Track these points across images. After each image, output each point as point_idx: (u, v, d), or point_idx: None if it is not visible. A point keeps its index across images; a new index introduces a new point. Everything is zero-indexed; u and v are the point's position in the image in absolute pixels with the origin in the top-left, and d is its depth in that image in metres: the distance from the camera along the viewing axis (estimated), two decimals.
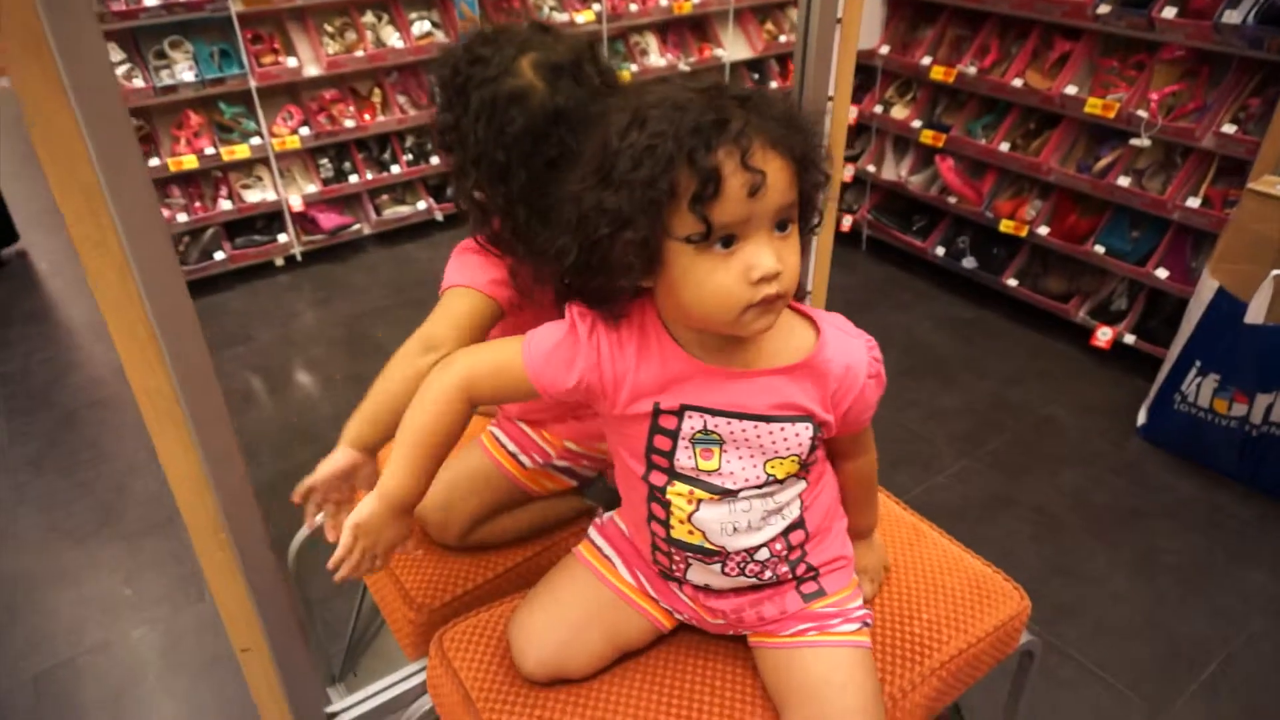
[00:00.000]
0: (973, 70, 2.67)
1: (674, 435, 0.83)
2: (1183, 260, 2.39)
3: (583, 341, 0.81)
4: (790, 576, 0.93)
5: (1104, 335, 2.55)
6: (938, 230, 3.02)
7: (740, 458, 0.84)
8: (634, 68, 3.86)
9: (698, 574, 0.92)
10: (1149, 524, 2.00)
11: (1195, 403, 2.11)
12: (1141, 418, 2.28)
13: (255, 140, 3.03)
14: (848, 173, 3.21)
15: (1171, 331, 2.19)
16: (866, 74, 3.07)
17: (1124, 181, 2.41)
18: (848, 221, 3.26)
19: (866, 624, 0.96)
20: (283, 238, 3.20)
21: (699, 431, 0.82)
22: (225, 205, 3.07)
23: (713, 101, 0.70)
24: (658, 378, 0.81)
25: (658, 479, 0.87)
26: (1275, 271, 1.86)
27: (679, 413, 0.82)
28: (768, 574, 0.91)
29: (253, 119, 3.04)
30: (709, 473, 0.84)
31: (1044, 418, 2.37)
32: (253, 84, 2.96)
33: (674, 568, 0.93)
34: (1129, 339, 2.51)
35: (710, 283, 0.71)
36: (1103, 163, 2.47)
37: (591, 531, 1.04)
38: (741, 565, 0.90)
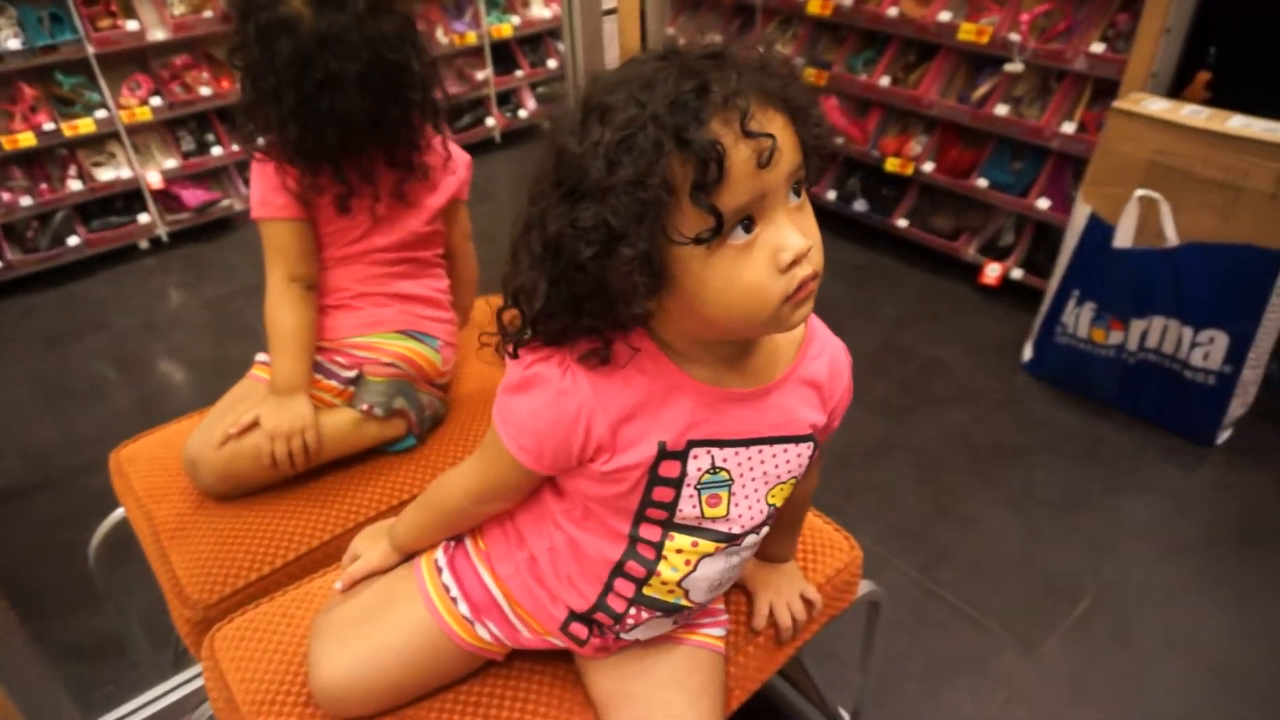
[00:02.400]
0: (849, 1, 2.57)
1: (677, 483, 0.72)
2: (1063, 189, 2.34)
3: (572, 395, 0.68)
4: None
5: (992, 272, 2.50)
6: (828, 174, 2.94)
7: (747, 496, 0.75)
8: (515, 20, 3.69)
9: (645, 631, 0.82)
10: (1029, 459, 1.96)
11: (1075, 334, 2.07)
12: (1027, 353, 2.24)
13: (101, 113, 2.81)
14: None
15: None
16: (748, 13, 2.96)
17: (1002, 110, 2.35)
18: None
19: (724, 630, 0.90)
20: (144, 218, 2.99)
21: (707, 472, 0.72)
22: (75, 185, 2.84)
23: (683, 67, 0.58)
24: (659, 414, 0.69)
25: (649, 532, 0.75)
26: (1139, 192, 1.81)
27: (683, 453, 0.71)
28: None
29: (95, 90, 2.81)
30: (715, 520, 0.75)
31: (932, 359, 2.32)
32: (90, 50, 2.73)
33: (618, 625, 0.81)
34: (1017, 274, 2.46)
35: (737, 283, 0.60)
36: (980, 91, 2.41)
37: (439, 555, 0.89)
38: (689, 615, 0.83)
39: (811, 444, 0.77)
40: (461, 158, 1.26)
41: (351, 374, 1.20)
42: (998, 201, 2.47)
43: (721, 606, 0.93)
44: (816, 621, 1.02)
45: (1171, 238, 1.81)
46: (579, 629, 0.83)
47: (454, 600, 0.85)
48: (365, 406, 1.18)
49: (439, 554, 0.88)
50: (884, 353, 2.35)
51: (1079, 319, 2.04)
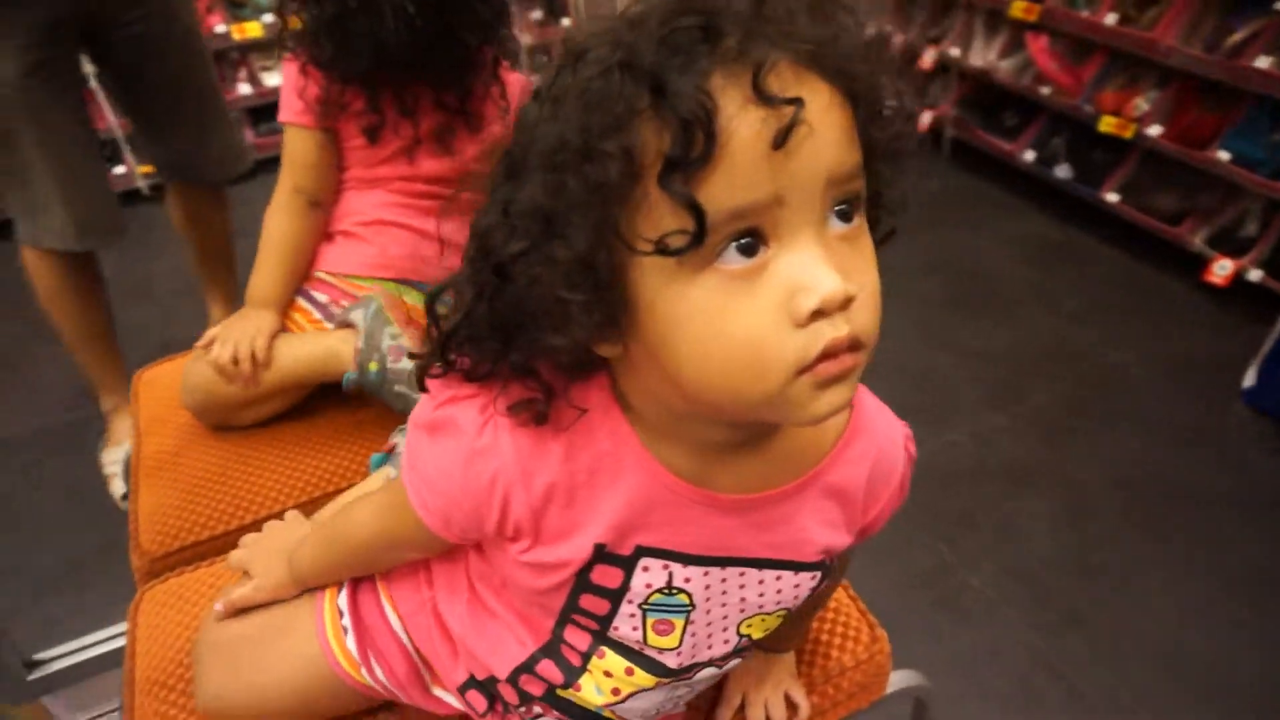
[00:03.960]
0: None
1: (615, 595, 0.55)
2: None
3: (489, 458, 0.51)
4: None
5: (1222, 269, 2.02)
6: (1030, 130, 2.50)
7: (710, 625, 0.58)
8: None
9: None
10: (1221, 517, 1.55)
11: None
12: (1249, 379, 1.78)
13: (268, 18, 2.85)
14: (929, 58, 2.69)
15: None
16: None
17: (1264, 63, 1.87)
18: (928, 118, 2.76)
19: None
20: None
21: (659, 590, 0.55)
22: (245, 89, 2.94)
23: (687, 2, 0.40)
24: (608, 504, 0.51)
25: (577, 639, 0.59)
26: None
27: (628, 561, 0.53)
28: None
29: None
30: (661, 650, 0.58)
31: (1114, 368, 1.92)
32: None
33: (524, 709, 0.66)
34: (1254, 275, 1.99)
35: (725, 329, 0.40)
36: (1236, 37, 1.93)
37: (342, 599, 0.73)
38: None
39: (819, 573, 0.57)
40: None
41: (338, 314, 1.08)
42: (1243, 180, 1.99)
43: None
44: None
45: None
46: (477, 699, 0.67)
47: (345, 630, 0.71)
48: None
49: (343, 592, 0.74)
50: (1052, 354, 1.97)
51: None
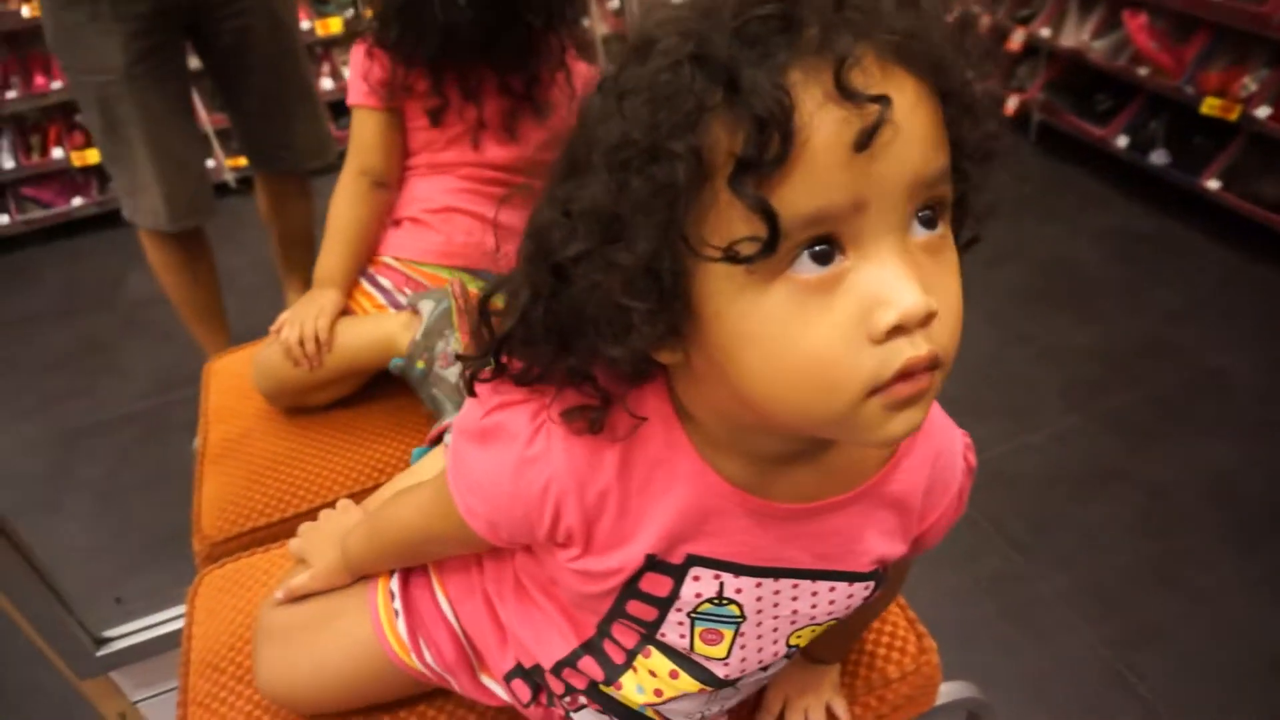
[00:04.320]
0: None
1: (664, 604, 0.54)
2: None
3: (542, 465, 0.50)
4: None
5: None
6: (1124, 114, 2.36)
7: (761, 638, 0.57)
8: None
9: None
10: None
11: None
12: None
13: (350, 12, 2.92)
14: (1017, 39, 2.57)
15: None
16: None
17: None
18: (1014, 102, 2.64)
19: None
20: None
21: (709, 600, 0.54)
22: (327, 84, 3.01)
23: None
24: (662, 513, 0.50)
25: (625, 636, 0.59)
26: None
27: (679, 570, 0.52)
28: None
29: None
30: (709, 659, 0.58)
31: (1211, 371, 1.80)
32: None
33: (567, 700, 0.65)
34: None
35: (795, 343, 0.38)
36: None
37: (394, 583, 0.73)
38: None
39: (873, 583, 0.55)
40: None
41: (403, 300, 1.10)
42: None
43: None
44: None
45: None
46: (521, 688, 0.67)
47: (396, 613, 0.72)
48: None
49: (394, 576, 0.75)
50: (1143, 353, 1.86)
51: None
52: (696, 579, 0.52)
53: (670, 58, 0.37)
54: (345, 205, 1.11)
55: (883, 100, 0.35)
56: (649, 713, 0.63)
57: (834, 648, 0.73)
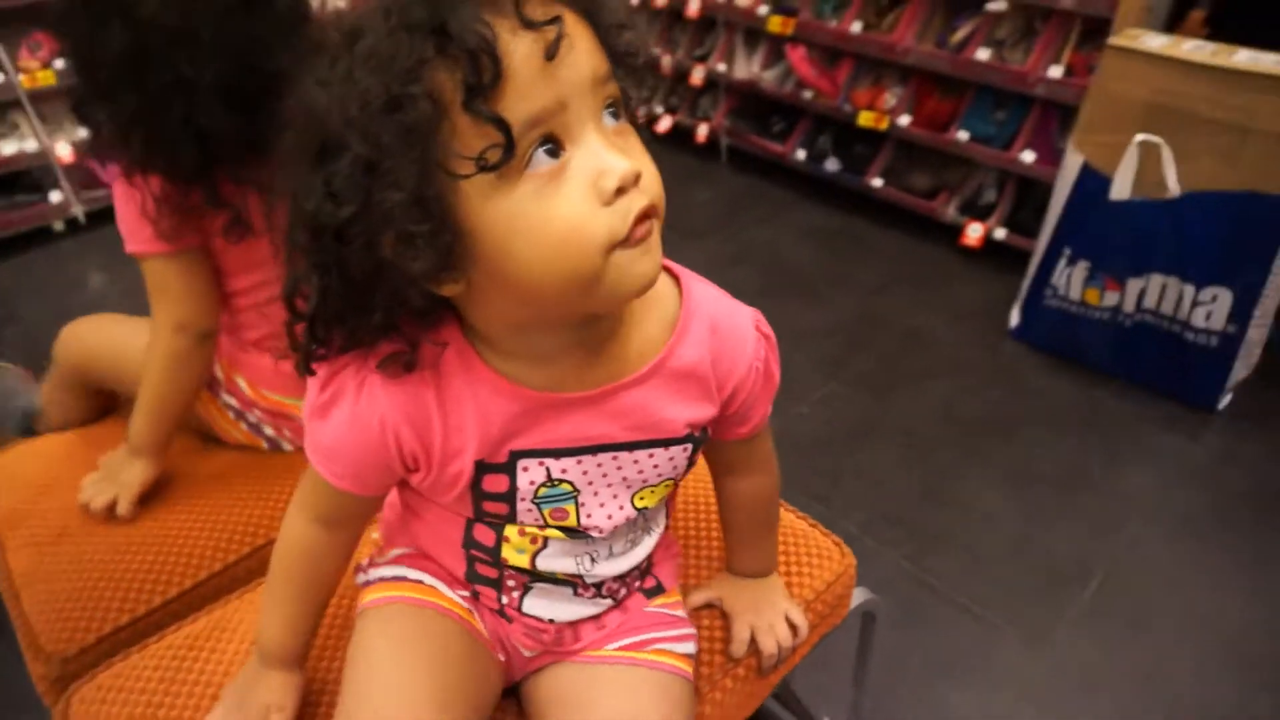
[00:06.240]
0: None
1: (508, 497, 0.63)
2: (1049, 140, 2.19)
3: (371, 409, 0.58)
4: (638, 579, 0.76)
5: (974, 232, 2.35)
6: (797, 132, 2.77)
7: (603, 504, 0.65)
8: None
9: (537, 603, 0.71)
10: (1023, 434, 1.82)
11: (1066, 296, 1.92)
12: (1014, 318, 2.10)
13: None
14: (698, 75, 2.91)
15: (1043, 221, 1.99)
16: None
17: (984, 55, 2.20)
18: (704, 131, 2.98)
19: (694, 646, 0.77)
20: (55, 196, 2.73)
21: (543, 485, 0.63)
22: None
23: None
24: (474, 425, 0.59)
25: (486, 536, 0.68)
26: (1139, 137, 1.66)
27: (507, 466, 0.61)
28: (623, 591, 0.75)
29: None
30: (565, 528, 0.66)
31: (913, 329, 2.17)
32: None
33: (502, 596, 0.71)
34: (1000, 234, 2.32)
35: (549, 223, 0.48)
36: (959, 35, 2.25)
37: (384, 568, 0.75)
38: (598, 586, 0.71)
39: (690, 445, 0.65)
40: None
41: (270, 433, 1.03)
42: (979, 156, 2.32)
43: (682, 614, 0.79)
44: (806, 643, 0.87)
45: (1173, 187, 1.66)
46: (465, 590, 0.74)
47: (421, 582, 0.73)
48: None
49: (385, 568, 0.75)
50: (861, 324, 2.20)
51: (1070, 280, 1.90)
52: (525, 469, 0.61)
53: (380, 32, 0.46)
54: (166, 370, 0.93)
55: (557, 21, 0.47)
56: (560, 576, 0.68)
57: (760, 555, 0.83)
